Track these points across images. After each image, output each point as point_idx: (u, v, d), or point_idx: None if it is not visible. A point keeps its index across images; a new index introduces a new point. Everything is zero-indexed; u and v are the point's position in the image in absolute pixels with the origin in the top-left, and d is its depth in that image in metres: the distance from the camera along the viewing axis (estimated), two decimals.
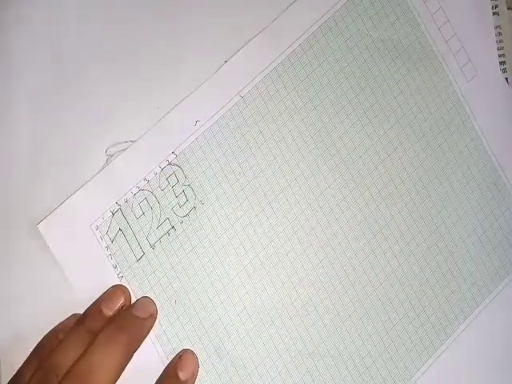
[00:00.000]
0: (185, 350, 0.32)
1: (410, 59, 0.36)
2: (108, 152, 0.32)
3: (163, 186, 0.32)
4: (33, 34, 0.32)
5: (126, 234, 0.32)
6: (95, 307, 0.31)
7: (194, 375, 0.32)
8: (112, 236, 0.32)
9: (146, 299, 0.32)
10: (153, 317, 0.31)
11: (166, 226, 0.32)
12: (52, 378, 0.28)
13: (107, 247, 0.31)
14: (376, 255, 0.35)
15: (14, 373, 0.30)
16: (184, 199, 0.33)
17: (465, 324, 0.36)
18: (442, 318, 0.36)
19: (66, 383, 0.28)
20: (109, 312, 0.30)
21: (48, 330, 0.31)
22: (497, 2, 0.38)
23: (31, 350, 0.30)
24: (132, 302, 0.32)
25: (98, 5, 0.33)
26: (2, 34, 0.32)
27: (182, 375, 0.31)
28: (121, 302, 0.31)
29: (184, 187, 0.33)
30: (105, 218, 0.31)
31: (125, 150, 0.32)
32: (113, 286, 0.31)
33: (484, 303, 0.37)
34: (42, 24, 0.32)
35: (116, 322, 0.30)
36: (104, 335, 0.29)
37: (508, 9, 0.38)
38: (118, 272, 0.32)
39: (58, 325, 0.31)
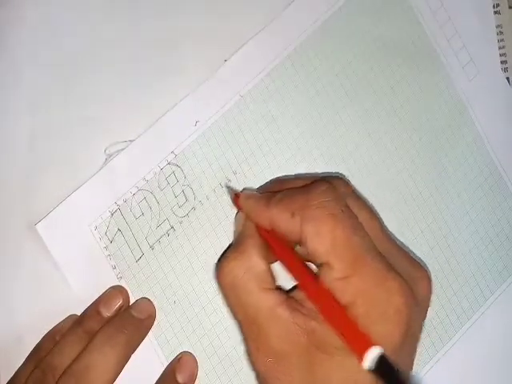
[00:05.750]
0: (184, 353, 0.32)
1: (411, 58, 0.36)
2: (107, 151, 0.32)
3: (162, 185, 0.32)
4: (33, 34, 0.32)
5: (124, 234, 0.32)
6: (93, 308, 0.31)
7: (193, 378, 0.31)
8: (111, 236, 0.31)
9: (144, 300, 0.32)
10: (151, 317, 0.31)
11: (166, 227, 0.32)
12: (49, 378, 0.28)
13: (106, 247, 0.31)
14: None
15: (12, 373, 0.30)
16: (183, 199, 0.32)
17: (467, 325, 0.36)
18: (443, 319, 0.35)
19: (62, 383, 0.28)
20: (107, 313, 0.30)
21: (47, 331, 0.31)
22: (498, 1, 0.38)
23: (29, 350, 0.31)
24: (131, 303, 0.31)
25: (98, 5, 0.33)
26: (2, 34, 0.32)
27: (181, 378, 0.31)
28: (119, 302, 0.31)
29: (183, 187, 0.32)
30: (103, 218, 0.31)
31: (124, 149, 0.32)
32: (111, 287, 0.31)
33: (486, 304, 0.37)
34: (41, 24, 0.32)
35: (114, 322, 0.30)
36: (102, 335, 0.29)
37: (509, 8, 0.38)
38: (117, 272, 0.31)
39: (56, 326, 0.31)
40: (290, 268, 0.27)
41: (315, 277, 0.25)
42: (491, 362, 0.37)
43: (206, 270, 0.32)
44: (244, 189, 0.33)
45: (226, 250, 0.32)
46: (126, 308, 0.31)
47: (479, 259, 0.37)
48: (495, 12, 0.38)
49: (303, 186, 0.28)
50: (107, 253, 0.31)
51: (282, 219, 0.26)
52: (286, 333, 0.25)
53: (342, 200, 0.26)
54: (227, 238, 0.33)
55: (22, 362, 0.30)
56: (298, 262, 0.27)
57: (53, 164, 0.32)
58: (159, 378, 0.31)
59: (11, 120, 0.32)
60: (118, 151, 0.32)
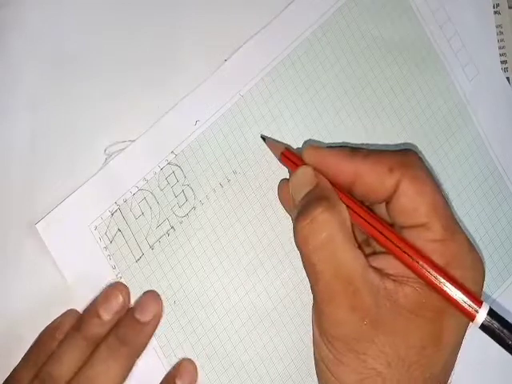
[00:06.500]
0: (184, 359, 0.32)
1: (411, 58, 0.36)
2: (107, 151, 0.32)
3: (162, 185, 0.32)
4: (33, 34, 0.32)
5: (124, 234, 0.32)
6: (92, 311, 0.30)
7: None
8: (111, 236, 0.31)
9: (148, 297, 0.31)
10: (157, 316, 0.30)
11: (166, 227, 0.32)
12: None
13: (106, 247, 0.31)
14: None
15: (9, 372, 0.30)
16: (183, 199, 0.32)
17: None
18: None
19: None
20: (107, 316, 0.29)
21: None
22: (498, 1, 0.38)
23: (28, 349, 0.30)
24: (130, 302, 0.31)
25: (98, 5, 0.33)
26: (2, 34, 0.32)
27: None
28: (119, 303, 0.30)
29: (183, 187, 0.32)
30: (103, 218, 0.31)
31: (124, 149, 0.32)
32: (110, 285, 0.31)
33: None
34: (42, 24, 0.32)
35: (118, 332, 0.29)
36: (105, 347, 0.29)
37: (509, 8, 0.38)
38: (116, 272, 0.31)
39: (54, 321, 0.30)
40: (375, 228, 0.26)
41: (404, 237, 0.25)
42: (490, 362, 0.37)
43: (205, 270, 0.32)
44: (307, 141, 0.32)
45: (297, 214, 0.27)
46: (130, 310, 0.30)
47: None
48: (495, 12, 0.38)
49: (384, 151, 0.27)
50: (107, 253, 0.31)
51: (374, 173, 0.26)
52: (377, 297, 0.24)
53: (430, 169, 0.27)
54: (227, 238, 0.33)
55: (18, 361, 0.30)
56: (382, 222, 0.26)
57: (53, 164, 0.32)
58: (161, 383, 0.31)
59: (11, 120, 0.32)
60: (118, 151, 0.32)
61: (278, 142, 0.33)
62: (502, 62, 0.38)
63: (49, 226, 0.31)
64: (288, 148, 0.30)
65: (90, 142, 0.32)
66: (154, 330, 0.31)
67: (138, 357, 0.30)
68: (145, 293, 0.31)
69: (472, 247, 0.26)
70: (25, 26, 0.32)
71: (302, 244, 0.25)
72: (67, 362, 0.28)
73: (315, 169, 0.27)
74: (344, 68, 0.35)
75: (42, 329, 0.30)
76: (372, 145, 0.35)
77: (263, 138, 0.33)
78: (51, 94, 0.32)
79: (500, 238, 0.37)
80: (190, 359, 0.32)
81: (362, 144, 0.35)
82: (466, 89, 0.37)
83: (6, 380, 0.30)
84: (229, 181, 0.33)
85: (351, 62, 0.35)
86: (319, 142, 0.34)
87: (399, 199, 0.25)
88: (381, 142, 0.35)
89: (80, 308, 0.31)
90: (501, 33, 0.38)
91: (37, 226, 0.31)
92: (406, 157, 0.26)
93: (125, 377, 0.29)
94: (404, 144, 0.36)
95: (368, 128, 0.35)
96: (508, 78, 0.38)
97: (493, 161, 0.38)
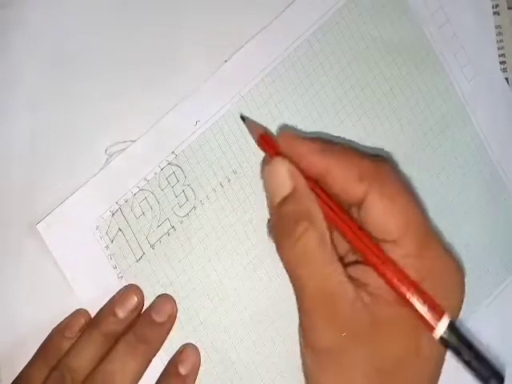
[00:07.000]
0: (186, 344, 0.32)
1: (410, 59, 0.36)
2: (108, 151, 0.32)
3: (163, 185, 0.32)
4: (33, 34, 0.32)
5: (125, 233, 0.32)
6: (109, 309, 0.31)
7: (195, 368, 0.32)
8: (112, 236, 0.31)
9: (163, 299, 0.32)
10: (172, 317, 0.31)
11: (166, 226, 0.32)
12: (68, 380, 0.28)
13: (107, 247, 0.31)
14: None
15: (13, 374, 0.30)
16: (184, 199, 0.33)
17: (466, 325, 0.36)
18: None
19: None
20: (122, 314, 0.30)
21: (48, 331, 0.31)
22: (497, 2, 0.38)
23: (31, 350, 0.30)
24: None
25: (98, 5, 0.33)
26: (2, 34, 0.32)
27: (183, 370, 0.31)
28: (134, 303, 0.31)
29: (184, 187, 0.33)
30: (104, 218, 0.31)
31: (125, 149, 0.32)
32: (125, 287, 0.31)
33: (484, 304, 0.37)
34: (42, 24, 0.32)
35: (136, 331, 0.30)
36: (123, 344, 0.29)
37: (508, 8, 0.38)
38: (117, 272, 0.32)
39: (62, 322, 0.31)
40: (354, 237, 0.25)
41: (382, 250, 0.25)
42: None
43: (206, 270, 0.32)
44: (282, 127, 0.31)
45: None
46: (147, 311, 0.31)
47: (478, 259, 0.37)
48: (494, 13, 0.38)
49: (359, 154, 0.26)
50: (108, 252, 0.31)
51: (343, 176, 0.25)
52: (355, 310, 0.24)
53: (405, 178, 0.26)
54: (227, 238, 0.33)
55: (22, 362, 0.30)
56: (361, 231, 0.25)
57: (54, 164, 0.32)
58: (162, 372, 0.31)
59: (11, 120, 0.32)
60: (119, 151, 0.32)
61: (257, 124, 0.32)
62: (501, 63, 0.38)
63: (50, 227, 0.31)
64: (266, 132, 0.29)
65: (91, 142, 0.32)
66: (170, 330, 0.31)
67: (153, 355, 0.31)
68: (158, 296, 0.32)
69: (450, 261, 0.25)
70: (26, 25, 0.32)
71: (286, 262, 0.26)
72: (85, 356, 0.29)
73: (290, 158, 0.26)
74: (344, 69, 0.35)
75: (43, 329, 0.31)
76: (354, 142, 0.35)
77: (243, 118, 0.32)
78: (51, 93, 0.32)
79: (499, 237, 0.37)
80: (192, 344, 0.32)
81: (359, 145, 0.35)
82: (464, 89, 0.37)
83: (16, 379, 0.30)
84: (229, 181, 0.33)
85: (351, 63, 0.35)
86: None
87: (368, 211, 0.25)
88: (380, 143, 0.35)
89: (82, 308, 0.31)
90: (500, 33, 0.38)
91: (37, 226, 0.31)
92: (376, 167, 0.25)
93: (141, 374, 0.30)
94: (377, 149, 0.35)
95: (367, 128, 0.35)
96: (507, 79, 0.38)
97: (491, 161, 0.38)
